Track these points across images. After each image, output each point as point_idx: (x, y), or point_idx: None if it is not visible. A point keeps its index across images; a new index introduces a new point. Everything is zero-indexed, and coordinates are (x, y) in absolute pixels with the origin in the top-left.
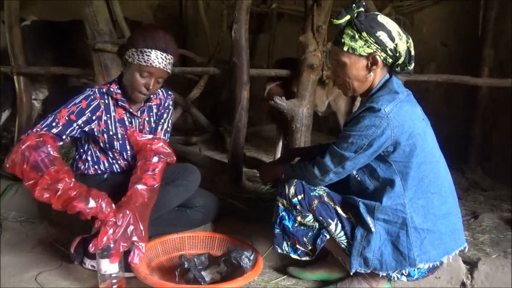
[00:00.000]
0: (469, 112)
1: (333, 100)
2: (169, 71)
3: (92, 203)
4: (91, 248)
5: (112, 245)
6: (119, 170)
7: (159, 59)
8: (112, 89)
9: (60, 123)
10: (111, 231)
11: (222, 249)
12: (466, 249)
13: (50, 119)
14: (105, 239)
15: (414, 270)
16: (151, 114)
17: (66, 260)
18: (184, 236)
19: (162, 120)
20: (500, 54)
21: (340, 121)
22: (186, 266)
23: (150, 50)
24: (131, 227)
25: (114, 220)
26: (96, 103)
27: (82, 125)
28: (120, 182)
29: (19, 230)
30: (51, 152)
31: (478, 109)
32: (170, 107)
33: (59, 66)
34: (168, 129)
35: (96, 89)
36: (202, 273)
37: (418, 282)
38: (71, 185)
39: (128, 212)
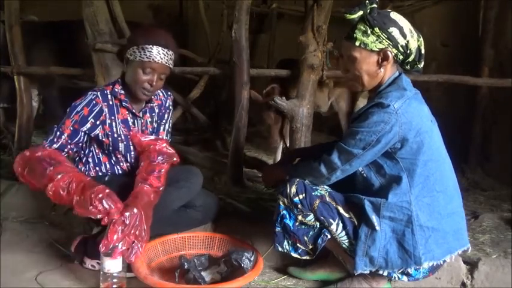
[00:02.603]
0: (469, 112)
1: (335, 100)
2: (171, 66)
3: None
4: (101, 248)
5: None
6: (120, 172)
7: (160, 54)
8: (116, 90)
9: (65, 134)
10: (120, 229)
11: (222, 249)
12: (469, 250)
13: (55, 131)
14: (115, 237)
15: (416, 269)
16: (153, 114)
17: (66, 260)
18: (185, 236)
19: (164, 121)
20: (500, 54)
21: (341, 121)
22: (186, 266)
23: (151, 46)
24: (138, 226)
25: (123, 219)
26: (98, 108)
27: (87, 131)
28: (122, 184)
29: (19, 230)
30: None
31: (478, 109)
32: (170, 107)
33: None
34: (169, 129)
35: (99, 92)
36: (202, 273)
37: (419, 282)
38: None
39: (135, 210)
